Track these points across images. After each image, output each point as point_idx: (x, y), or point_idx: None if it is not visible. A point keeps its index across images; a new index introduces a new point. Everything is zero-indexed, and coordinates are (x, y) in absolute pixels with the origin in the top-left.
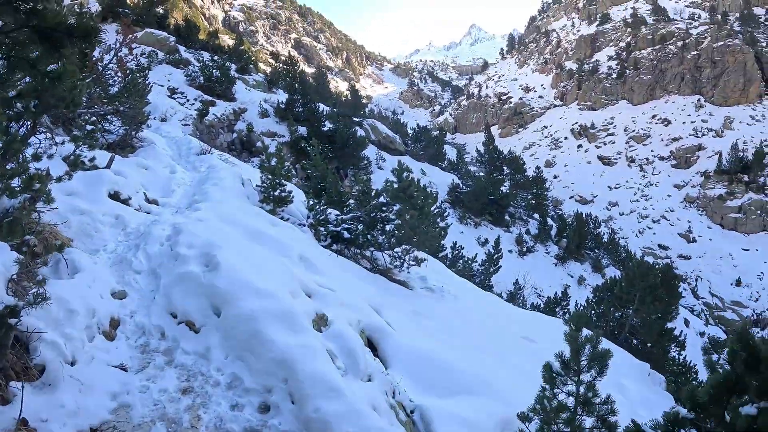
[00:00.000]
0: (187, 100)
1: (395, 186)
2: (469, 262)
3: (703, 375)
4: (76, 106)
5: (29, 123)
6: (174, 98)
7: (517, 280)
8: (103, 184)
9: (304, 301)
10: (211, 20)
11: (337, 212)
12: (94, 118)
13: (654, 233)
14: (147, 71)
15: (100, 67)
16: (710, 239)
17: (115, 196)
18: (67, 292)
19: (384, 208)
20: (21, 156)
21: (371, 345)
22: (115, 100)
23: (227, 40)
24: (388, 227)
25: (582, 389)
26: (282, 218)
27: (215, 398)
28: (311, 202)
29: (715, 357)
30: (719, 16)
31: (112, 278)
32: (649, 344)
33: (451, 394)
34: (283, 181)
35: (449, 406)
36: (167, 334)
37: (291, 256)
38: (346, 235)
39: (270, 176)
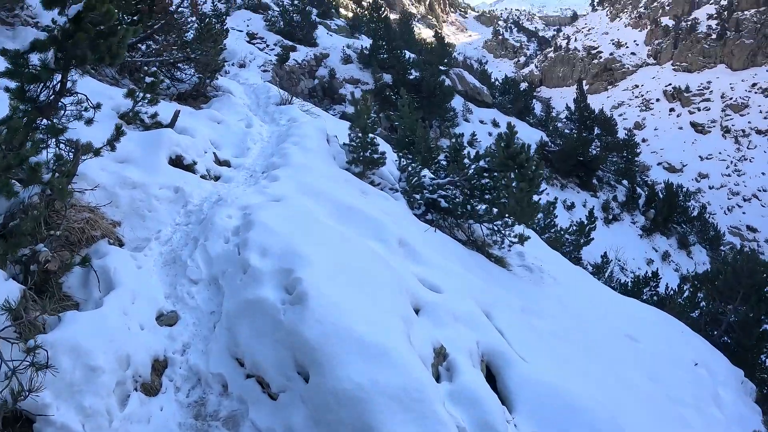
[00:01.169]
0: (267, 45)
1: (503, 151)
2: (562, 232)
3: None
4: (114, 59)
5: (56, 83)
6: (253, 43)
7: (605, 253)
8: (163, 147)
9: (421, 339)
10: None
11: (432, 175)
12: (154, 69)
13: (744, 212)
14: (225, 16)
15: (171, 10)
16: None
17: (176, 161)
18: (88, 333)
19: (485, 174)
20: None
21: (489, 374)
22: (187, 46)
23: None
24: (488, 196)
25: None
26: (372, 182)
27: None
28: (403, 162)
29: None
30: None
31: (161, 291)
32: (743, 347)
33: None
34: (375, 139)
35: None
36: (231, 391)
37: (389, 240)
38: (443, 204)
39: (360, 134)
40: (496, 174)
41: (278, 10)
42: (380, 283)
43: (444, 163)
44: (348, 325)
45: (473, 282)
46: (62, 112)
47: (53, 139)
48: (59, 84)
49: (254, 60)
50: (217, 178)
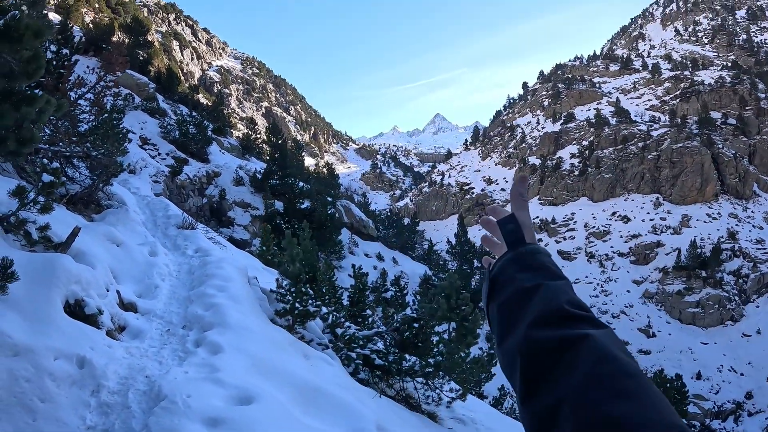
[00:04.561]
0: (159, 154)
1: (445, 303)
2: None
3: None
4: (22, 146)
5: None
6: (145, 149)
7: (503, 385)
8: (59, 286)
9: None
10: (188, 77)
11: (356, 326)
12: (56, 164)
13: (614, 329)
14: (122, 115)
15: (73, 96)
16: (669, 334)
17: (75, 308)
18: None
19: (415, 325)
20: None
21: None
22: (86, 140)
23: (202, 99)
24: (420, 345)
25: None
26: (303, 338)
27: None
28: (324, 311)
29: None
30: (678, 120)
31: None
32: None
33: None
34: (308, 289)
35: None
36: None
37: (370, 430)
38: (378, 361)
39: (292, 283)
40: (423, 323)
41: (175, 118)
42: None
43: (346, 302)
44: None
45: None
46: None
47: None
48: None
49: (146, 168)
50: (122, 329)
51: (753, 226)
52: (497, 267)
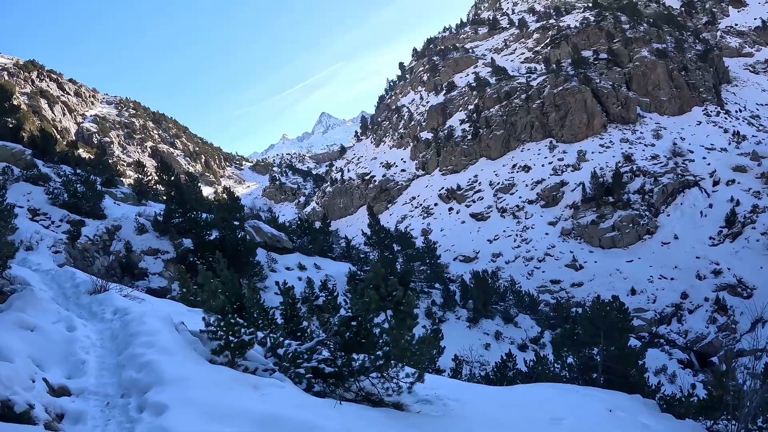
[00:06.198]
0: (53, 222)
1: (375, 294)
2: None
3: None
4: None
5: None
6: (37, 221)
7: (455, 355)
8: None
9: None
10: (64, 133)
11: (296, 342)
12: None
13: (543, 271)
14: (3, 190)
15: None
16: (595, 262)
17: (4, 410)
18: None
19: (353, 324)
20: None
21: None
22: None
23: (83, 154)
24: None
25: None
26: (246, 369)
27: None
28: (260, 335)
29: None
30: (554, 66)
31: None
32: (624, 377)
33: None
34: (237, 319)
35: None
36: None
37: None
38: (327, 369)
39: (220, 317)
40: (360, 319)
41: (60, 181)
42: None
43: (281, 321)
44: None
45: None
46: None
47: None
48: None
49: (42, 240)
50: (60, 417)
51: (645, 145)
52: None
